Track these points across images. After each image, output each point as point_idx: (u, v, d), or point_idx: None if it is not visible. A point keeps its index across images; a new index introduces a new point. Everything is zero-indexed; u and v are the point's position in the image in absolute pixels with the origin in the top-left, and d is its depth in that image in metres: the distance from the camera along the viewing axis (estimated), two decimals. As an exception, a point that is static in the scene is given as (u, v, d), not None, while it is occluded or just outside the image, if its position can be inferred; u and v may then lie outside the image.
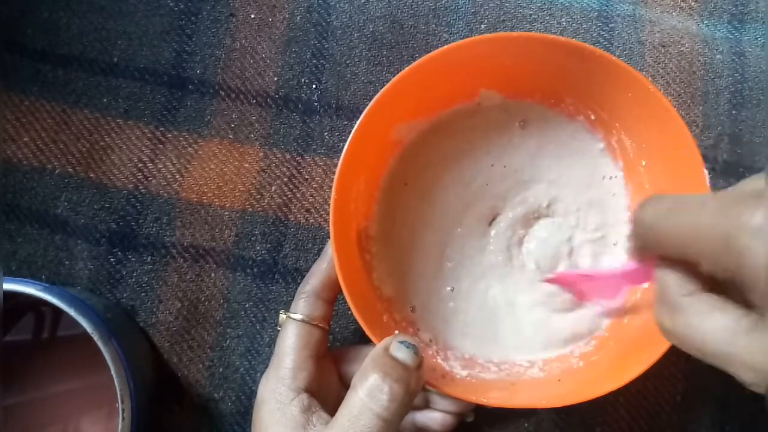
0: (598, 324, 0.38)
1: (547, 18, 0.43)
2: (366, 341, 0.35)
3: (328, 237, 0.40)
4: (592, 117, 0.38)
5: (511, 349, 0.38)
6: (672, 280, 0.25)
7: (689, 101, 0.42)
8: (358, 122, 0.34)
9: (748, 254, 0.21)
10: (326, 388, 0.34)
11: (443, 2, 0.43)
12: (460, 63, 0.35)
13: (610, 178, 0.39)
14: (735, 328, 0.22)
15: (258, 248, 0.41)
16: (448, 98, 0.38)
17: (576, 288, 0.38)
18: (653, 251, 0.27)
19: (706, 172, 0.33)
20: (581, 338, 0.38)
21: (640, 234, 0.27)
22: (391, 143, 0.38)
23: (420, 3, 0.43)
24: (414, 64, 0.34)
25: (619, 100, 0.35)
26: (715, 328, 0.23)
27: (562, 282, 0.38)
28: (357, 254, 0.36)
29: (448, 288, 0.38)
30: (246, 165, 0.42)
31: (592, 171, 0.39)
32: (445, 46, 0.34)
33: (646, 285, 0.35)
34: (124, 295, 0.41)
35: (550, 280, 0.38)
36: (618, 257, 0.39)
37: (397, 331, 0.35)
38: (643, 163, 0.37)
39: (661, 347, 0.32)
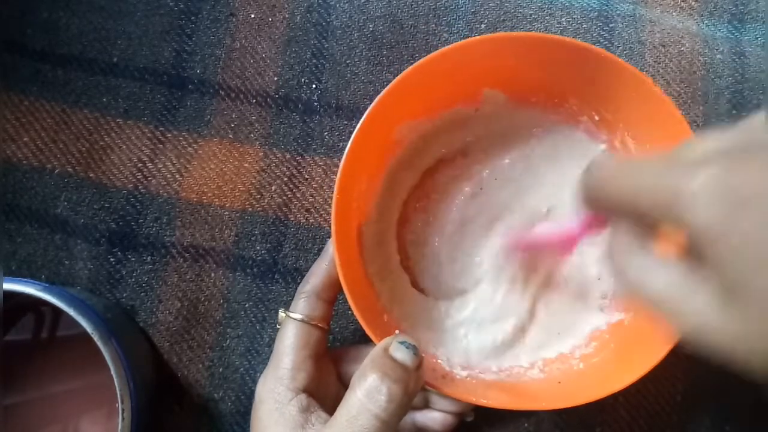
0: (596, 323, 0.38)
1: (547, 18, 0.43)
2: (366, 341, 0.35)
3: (328, 237, 0.41)
4: (596, 117, 0.38)
5: (509, 350, 0.38)
6: (624, 233, 0.26)
7: (689, 101, 0.42)
8: (360, 121, 0.34)
9: (693, 212, 0.21)
10: (325, 388, 0.34)
11: (443, 2, 0.43)
12: (463, 63, 0.35)
13: None
14: (680, 283, 0.23)
15: (258, 248, 0.41)
16: (450, 98, 0.38)
17: (534, 249, 0.38)
18: (601, 207, 0.28)
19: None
20: (580, 337, 0.38)
21: (588, 191, 0.28)
22: (393, 142, 0.38)
23: (420, 3, 0.43)
24: (417, 63, 0.34)
25: (624, 100, 0.35)
26: (662, 283, 0.24)
27: (517, 245, 0.38)
28: (358, 254, 0.36)
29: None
30: (246, 165, 0.42)
31: None
32: (449, 46, 0.34)
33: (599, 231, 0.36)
34: (124, 295, 0.41)
35: (508, 244, 0.38)
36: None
37: (397, 331, 0.35)
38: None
39: (662, 350, 0.32)
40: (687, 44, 0.43)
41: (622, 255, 0.26)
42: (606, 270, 0.38)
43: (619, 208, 0.26)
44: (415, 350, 0.30)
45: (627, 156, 0.26)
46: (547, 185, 0.39)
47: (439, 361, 0.36)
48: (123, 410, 0.33)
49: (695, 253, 0.22)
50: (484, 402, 0.32)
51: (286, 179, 0.42)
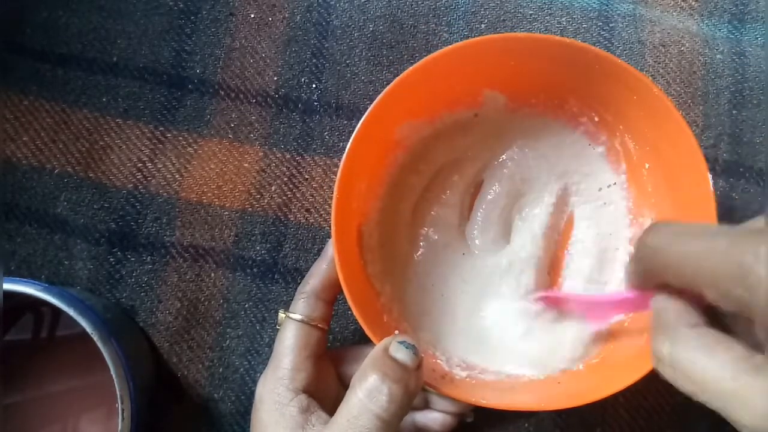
0: (591, 350, 0.37)
1: (547, 18, 0.43)
2: (366, 341, 0.35)
3: (328, 237, 0.41)
4: (596, 119, 0.38)
5: (509, 353, 0.38)
6: (674, 309, 0.25)
7: (689, 101, 0.42)
8: (361, 121, 0.34)
9: (764, 286, 0.20)
10: (325, 389, 0.34)
11: (443, 2, 0.43)
12: (463, 63, 0.35)
13: (608, 186, 0.39)
14: (740, 366, 0.21)
15: (258, 248, 0.41)
16: (451, 99, 0.38)
17: (565, 308, 0.37)
18: (654, 279, 0.26)
19: (710, 176, 0.33)
20: (576, 360, 0.37)
21: (643, 258, 0.26)
22: (393, 143, 0.38)
23: (420, 2, 0.43)
24: (418, 63, 0.34)
25: (624, 102, 0.35)
26: (718, 364, 0.22)
27: (551, 301, 0.37)
28: (357, 254, 0.36)
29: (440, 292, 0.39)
30: (246, 165, 0.42)
31: (593, 179, 0.39)
32: (449, 46, 0.34)
33: (637, 312, 0.34)
34: (124, 295, 0.41)
35: (539, 298, 0.38)
36: (617, 272, 0.38)
37: (397, 332, 0.35)
38: (647, 166, 0.37)
39: None
40: (687, 44, 0.43)
41: (669, 331, 0.24)
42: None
43: (675, 279, 0.24)
44: (414, 350, 0.30)
45: (683, 223, 0.25)
46: (546, 188, 0.39)
47: (438, 361, 0.36)
48: (123, 410, 0.33)
49: (758, 334, 0.21)
50: (483, 402, 0.32)
51: (286, 179, 0.42)
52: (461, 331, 0.38)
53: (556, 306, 0.37)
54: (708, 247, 0.22)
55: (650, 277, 0.27)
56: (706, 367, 0.22)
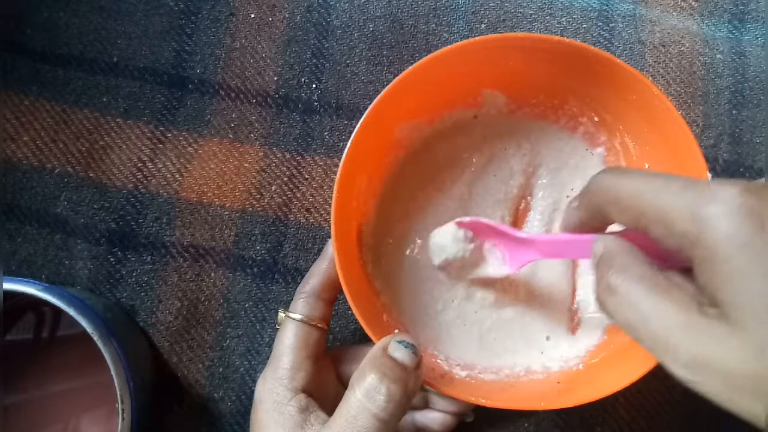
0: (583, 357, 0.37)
1: (547, 18, 0.43)
2: (366, 341, 0.35)
3: (328, 236, 0.41)
4: (596, 119, 0.38)
5: (507, 358, 0.38)
6: (625, 248, 0.25)
7: (689, 101, 0.42)
8: (361, 121, 0.34)
9: (712, 224, 0.21)
10: (324, 388, 0.34)
11: (443, 2, 0.43)
12: (463, 63, 0.35)
13: None
14: (690, 309, 0.22)
15: (258, 248, 0.41)
16: (451, 98, 0.38)
17: (488, 239, 0.36)
18: (598, 216, 0.27)
19: (710, 176, 0.33)
20: (576, 359, 0.37)
21: (593, 191, 0.27)
22: (393, 143, 0.38)
23: (420, 2, 0.43)
24: (418, 63, 0.34)
25: (623, 102, 0.35)
26: (667, 305, 0.22)
27: (476, 227, 0.36)
28: (357, 253, 0.36)
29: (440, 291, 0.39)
30: (246, 164, 0.42)
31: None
32: (449, 46, 0.34)
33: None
34: (124, 294, 0.41)
35: (464, 224, 0.36)
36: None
37: (396, 331, 0.35)
38: (647, 166, 0.37)
39: None
40: (687, 44, 0.43)
41: (622, 267, 0.24)
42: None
43: (623, 214, 0.25)
44: (414, 349, 0.30)
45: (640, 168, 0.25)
46: (545, 190, 0.39)
47: (438, 360, 0.36)
48: (123, 410, 0.33)
49: (698, 277, 0.22)
50: (483, 402, 0.32)
51: (286, 179, 0.42)
52: (461, 330, 0.38)
53: (480, 234, 0.36)
54: (663, 185, 0.23)
55: (595, 213, 0.27)
56: (653, 306, 0.22)
